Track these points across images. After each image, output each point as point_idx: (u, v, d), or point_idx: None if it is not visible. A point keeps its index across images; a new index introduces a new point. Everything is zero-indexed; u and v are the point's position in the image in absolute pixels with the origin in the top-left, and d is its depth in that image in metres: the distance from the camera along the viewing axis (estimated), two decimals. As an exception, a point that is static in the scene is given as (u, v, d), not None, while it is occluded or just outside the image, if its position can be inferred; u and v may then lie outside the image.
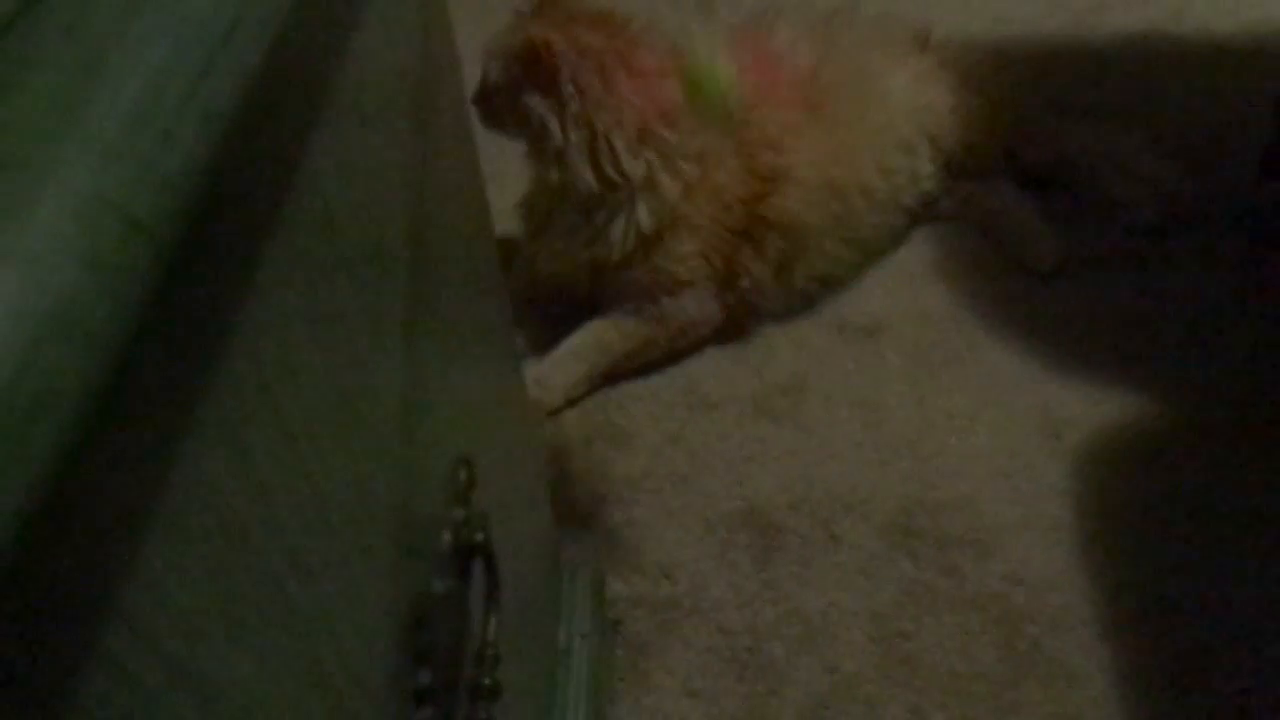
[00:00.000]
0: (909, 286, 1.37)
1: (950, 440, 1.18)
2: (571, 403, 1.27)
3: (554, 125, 1.16)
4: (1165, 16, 1.71)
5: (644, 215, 1.20)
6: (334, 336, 0.41)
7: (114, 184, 0.17)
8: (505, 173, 1.31)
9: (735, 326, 1.31)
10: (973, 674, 0.99)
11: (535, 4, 1.22)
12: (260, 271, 0.32)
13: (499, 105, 1.21)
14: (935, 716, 0.95)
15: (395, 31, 0.51)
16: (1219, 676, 0.95)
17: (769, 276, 1.27)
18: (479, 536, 0.53)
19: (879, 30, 1.39)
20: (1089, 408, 1.20)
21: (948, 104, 1.36)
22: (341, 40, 0.39)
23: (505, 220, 1.32)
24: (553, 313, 1.35)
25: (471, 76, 1.24)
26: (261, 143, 0.28)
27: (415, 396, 0.52)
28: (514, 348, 0.86)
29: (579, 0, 1.24)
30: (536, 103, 1.17)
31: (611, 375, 1.29)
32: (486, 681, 0.53)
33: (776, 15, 1.35)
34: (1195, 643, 0.98)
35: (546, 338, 1.33)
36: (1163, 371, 1.23)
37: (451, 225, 0.63)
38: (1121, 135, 1.41)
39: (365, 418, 0.45)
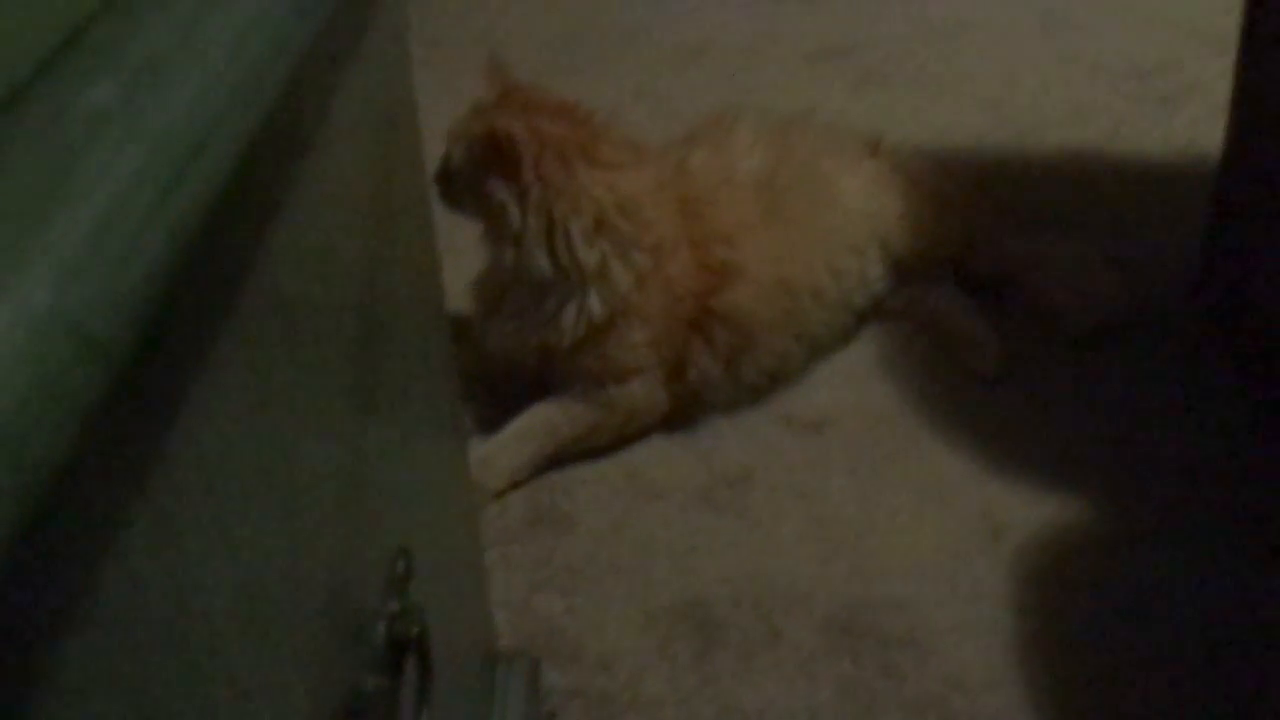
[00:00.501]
0: (856, 383, 1.40)
1: (893, 539, 1.19)
2: (515, 485, 1.26)
3: (513, 210, 1.18)
4: (1102, 136, 1.79)
5: (596, 303, 1.21)
6: (279, 425, 0.41)
7: (73, 301, 0.17)
8: (462, 249, 1.32)
9: (682, 416, 1.32)
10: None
11: (500, 92, 1.25)
12: (207, 365, 0.32)
13: (459, 187, 1.23)
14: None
15: (363, 126, 0.51)
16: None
17: (718, 369, 1.29)
18: (414, 630, 0.52)
19: (833, 137, 1.44)
20: (1029, 510, 1.22)
21: (897, 209, 1.40)
22: (308, 140, 0.40)
23: (459, 298, 1.33)
24: (501, 391, 1.34)
25: (434, 154, 1.26)
26: (221, 248, 0.28)
27: (357, 484, 0.52)
28: (461, 431, 0.85)
29: (542, 91, 1.27)
30: (497, 187, 1.18)
31: (557, 458, 1.28)
32: (414, 782, 0.51)
33: (735, 118, 1.39)
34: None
35: (493, 416, 1.33)
36: (1100, 475, 1.25)
37: (405, 310, 0.63)
38: (1061, 246, 1.47)
39: (304, 506, 0.44)
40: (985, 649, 1.08)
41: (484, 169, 1.19)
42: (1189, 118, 1.81)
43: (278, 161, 0.35)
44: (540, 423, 1.27)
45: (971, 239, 1.46)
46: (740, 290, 1.26)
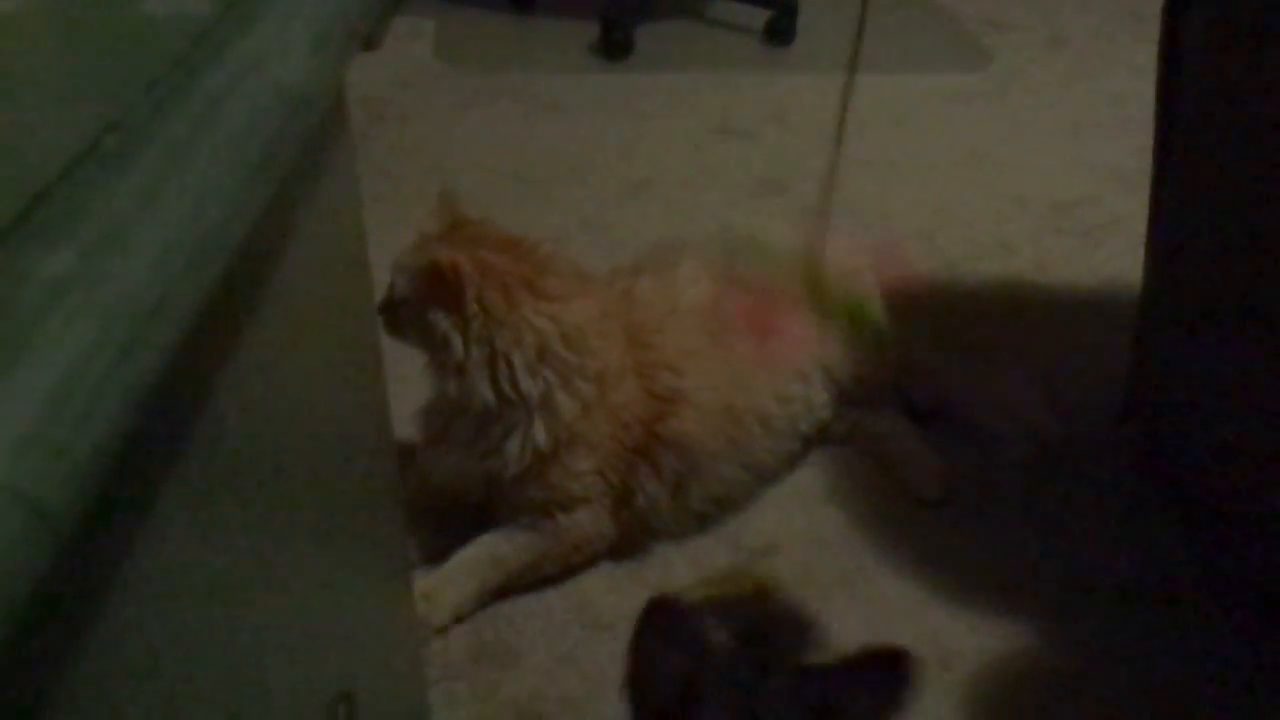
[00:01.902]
0: (802, 509, 1.40)
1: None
2: (459, 620, 1.23)
3: (456, 341, 1.19)
4: (1029, 267, 1.87)
5: (540, 433, 1.21)
6: (223, 574, 0.40)
7: (25, 474, 0.17)
8: (407, 377, 1.32)
9: (630, 544, 1.31)
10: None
11: (446, 225, 1.27)
12: (153, 518, 0.32)
13: (403, 317, 1.24)
14: None
15: (314, 267, 0.52)
16: None
17: (665, 496, 1.29)
18: (354, 784, 0.50)
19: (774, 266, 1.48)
20: (975, 636, 1.22)
21: (839, 338, 1.44)
22: (261, 288, 0.40)
23: (403, 425, 1.32)
24: (446, 520, 1.33)
25: (383, 285, 1.27)
26: (171, 405, 0.28)
27: (299, 628, 0.51)
28: (406, 564, 0.84)
29: (489, 225, 1.29)
30: (440, 318, 1.19)
31: (503, 591, 1.26)
32: None
33: (681, 248, 1.43)
34: None
35: (438, 546, 1.30)
36: (1042, 599, 1.26)
37: (352, 444, 0.63)
38: (997, 374, 1.51)
39: (245, 654, 0.43)
40: (939, 782, 1.06)
41: (427, 300, 1.20)
42: (1110, 251, 1.90)
43: (232, 312, 0.36)
44: (485, 555, 1.25)
45: (910, 366, 1.50)
46: (687, 417, 1.28)
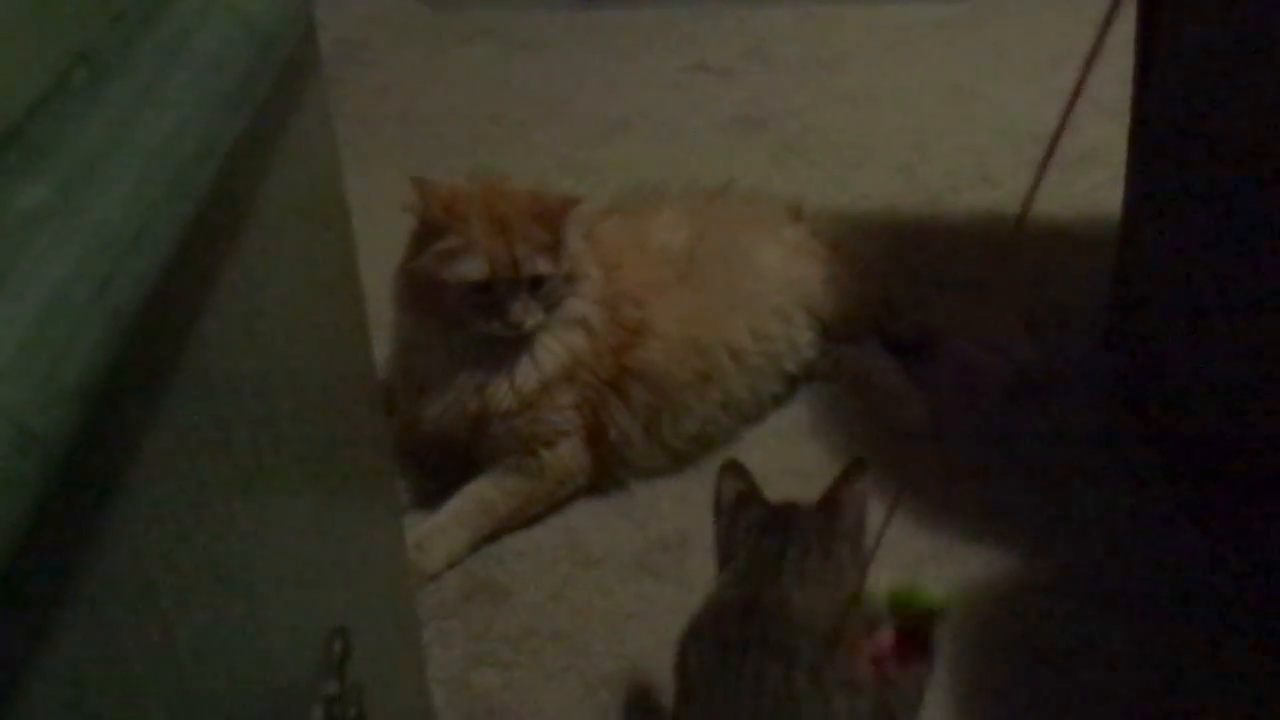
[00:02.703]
0: (787, 445, 1.42)
1: (828, 597, 1.20)
2: (452, 566, 1.25)
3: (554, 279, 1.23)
4: (1010, 200, 1.87)
5: (548, 360, 1.24)
6: (213, 507, 0.41)
7: (12, 399, 0.18)
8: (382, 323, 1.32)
9: (608, 480, 1.33)
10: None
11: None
12: (142, 450, 0.32)
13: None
14: None
15: (291, 208, 0.52)
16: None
17: (637, 430, 1.30)
18: (352, 713, 0.51)
19: (754, 207, 1.48)
20: (958, 568, 1.24)
21: (820, 275, 1.45)
22: (239, 226, 0.40)
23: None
24: (432, 468, 1.34)
25: (361, 231, 1.26)
26: (156, 337, 0.29)
27: (293, 563, 0.51)
28: (396, 505, 0.85)
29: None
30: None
31: (494, 535, 1.28)
32: None
33: (660, 195, 1.44)
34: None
35: (427, 493, 1.32)
36: (1023, 530, 1.28)
37: (338, 386, 0.63)
38: (978, 308, 1.52)
39: (239, 587, 0.44)
40: (930, 704, 1.09)
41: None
42: (1092, 181, 1.90)
43: (210, 248, 0.36)
44: (475, 503, 1.27)
45: (892, 300, 1.50)
46: (652, 348, 1.29)
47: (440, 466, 1.33)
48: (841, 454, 1.40)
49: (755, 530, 0.92)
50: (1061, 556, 1.25)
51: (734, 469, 0.97)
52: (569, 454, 1.28)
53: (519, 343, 1.24)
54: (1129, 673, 1.11)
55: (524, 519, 1.28)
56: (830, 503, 0.94)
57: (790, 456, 1.40)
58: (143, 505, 0.31)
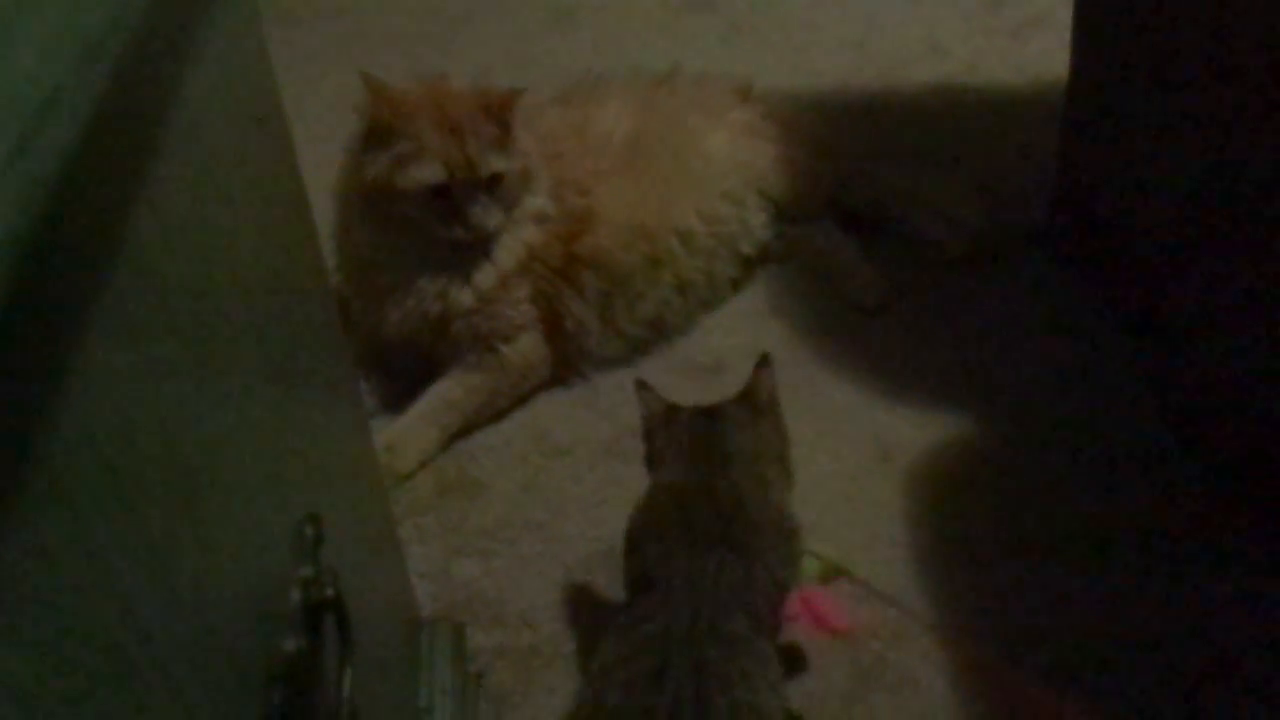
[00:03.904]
0: (747, 326, 1.44)
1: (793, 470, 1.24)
2: (424, 465, 1.27)
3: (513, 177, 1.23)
4: (961, 70, 1.86)
5: (505, 256, 1.24)
6: (169, 396, 0.41)
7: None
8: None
9: (570, 371, 1.34)
10: (825, 690, 1.03)
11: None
12: (87, 339, 0.32)
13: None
14: (792, 735, 0.98)
15: (221, 102, 0.51)
16: (1039, 674, 1.03)
17: (592, 318, 1.31)
18: (329, 592, 0.53)
19: (701, 90, 1.46)
20: (915, 431, 1.28)
21: (771, 155, 1.44)
22: (164, 113, 0.40)
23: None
24: (394, 372, 1.34)
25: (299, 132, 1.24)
26: (83, 211, 0.29)
27: (258, 454, 0.52)
28: (360, 404, 0.86)
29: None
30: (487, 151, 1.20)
31: (462, 432, 1.29)
32: (343, 737, 0.52)
33: (605, 84, 1.42)
34: (1020, 640, 1.05)
35: (392, 395, 1.33)
36: (978, 393, 1.32)
37: (287, 283, 0.63)
38: (930, 178, 1.53)
39: (204, 476, 0.45)
40: (887, 561, 1.14)
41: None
42: (1040, 47, 1.89)
43: (136, 133, 0.36)
44: (440, 402, 1.28)
45: (845, 176, 1.51)
46: (599, 234, 1.30)
47: (403, 370, 1.34)
48: (802, 333, 1.43)
49: (688, 428, 0.99)
50: (1014, 413, 1.29)
51: (646, 386, 1.04)
52: (529, 347, 1.29)
53: (479, 245, 1.24)
54: (1080, 524, 1.16)
55: (490, 415, 1.30)
56: (746, 392, 1.02)
57: (751, 338, 1.42)
58: (94, 387, 0.31)
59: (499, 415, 1.31)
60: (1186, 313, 1.25)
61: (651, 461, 1.01)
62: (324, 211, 1.26)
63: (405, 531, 1.18)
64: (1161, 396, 1.28)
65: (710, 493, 0.94)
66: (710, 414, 1.00)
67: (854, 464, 1.24)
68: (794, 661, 1.03)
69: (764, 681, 0.84)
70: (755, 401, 1.01)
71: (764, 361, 1.03)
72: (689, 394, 1.32)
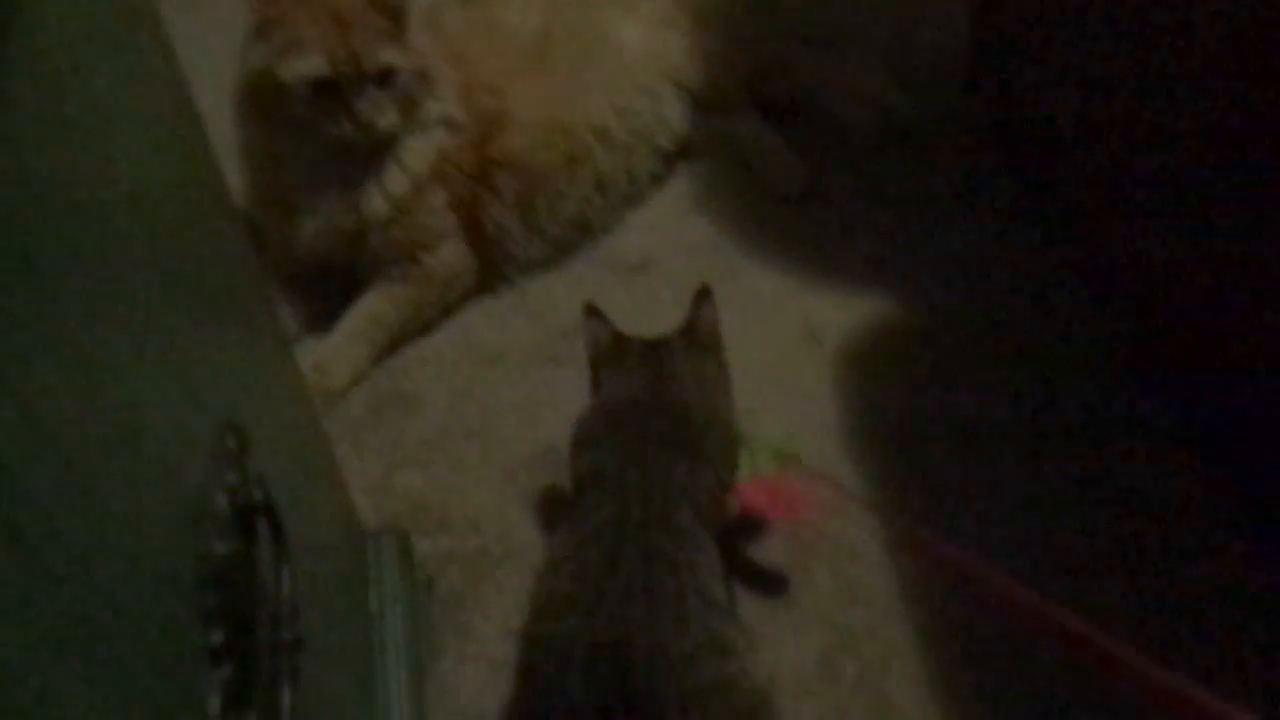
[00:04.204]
0: (672, 222, 1.44)
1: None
2: (356, 383, 1.26)
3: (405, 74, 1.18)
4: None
5: (415, 161, 1.21)
6: (59, 311, 0.40)
7: None
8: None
9: (497, 277, 1.33)
10: (765, 564, 1.07)
11: None
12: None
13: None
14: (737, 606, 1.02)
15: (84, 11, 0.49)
16: (980, 539, 1.08)
17: (513, 220, 1.30)
18: (257, 496, 0.53)
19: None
20: (842, 313, 1.30)
21: (684, 46, 1.42)
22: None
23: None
24: (315, 290, 1.32)
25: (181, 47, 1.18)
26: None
27: (166, 367, 0.52)
28: (276, 320, 0.84)
29: None
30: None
31: (392, 347, 1.28)
32: (286, 636, 0.53)
33: None
34: (947, 510, 1.10)
35: (315, 315, 1.31)
36: (901, 274, 1.35)
37: (182, 194, 0.62)
38: (844, 61, 1.53)
39: (110, 387, 0.44)
40: (819, 442, 1.17)
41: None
42: (948, -79, 1.87)
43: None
44: (367, 318, 1.26)
45: (761, 64, 1.50)
46: (513, 134, 1.28)
47: (325, 291, 1.32)
48: (727, 224, 1.43)
49: (636, 356, 1.00)
50: (938, 293, 1.32)
51: (596, 312, 1.04)
52: (452, 255, 1.28)
53: (382, 149, 1.20)
54: (1002, 398, 1.20)
55: (419, 328, 1.29)
56: (689, 326, 1.03)
57: (677, 233, 1.42)
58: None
59: (428, 327, 1.30)
60: (1096, 189, 1.28)
61: (598, 389, 1.02)
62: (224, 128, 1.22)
63: (344, 449, 1.18)
64: (1076, 271, 1.32)
65: (659, 402, 0.96)
66: (656, 345, 1.01)
67: (784, 349, 1.27)
68: (775, 583, 1.05)
69: (708, 570, 0.87)
70: (698, 337, 1.02)
71: (704, 293, 1.04)
72: (617, 294, 1.34)
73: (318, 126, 1.16)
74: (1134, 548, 1.06)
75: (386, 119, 1.16)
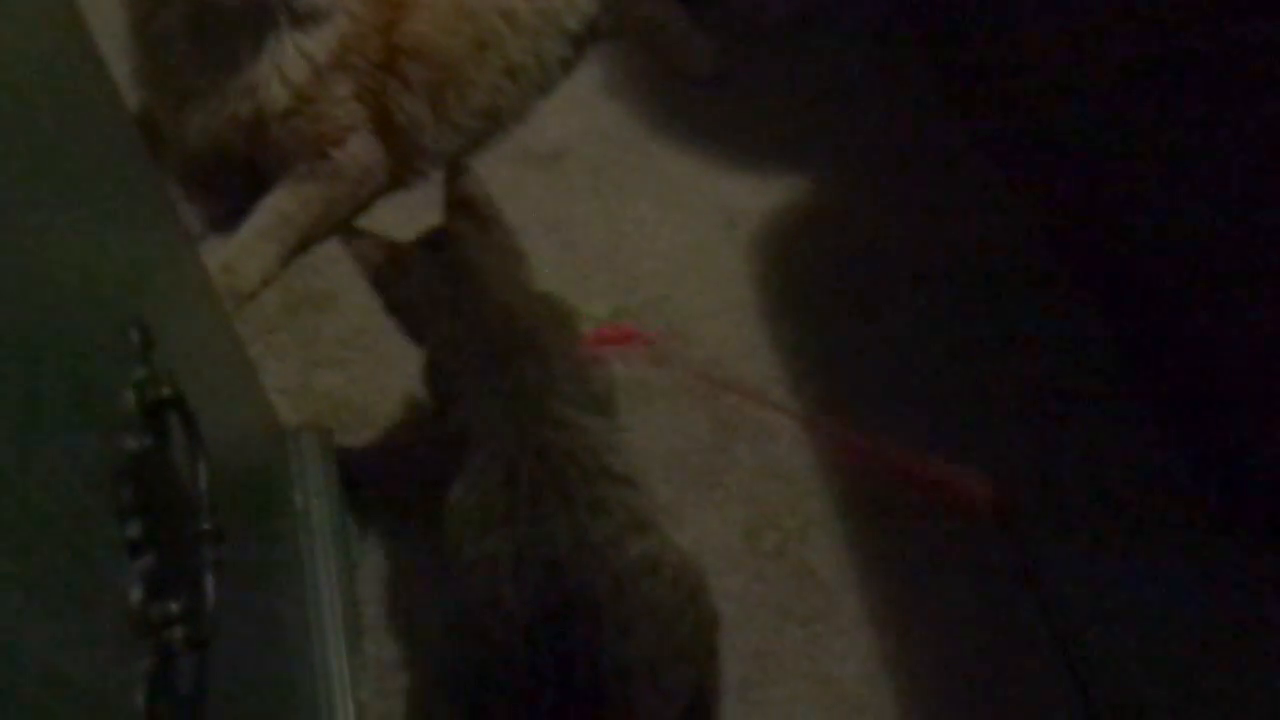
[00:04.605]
0: (584, 109, 1.41)
1: (642, 246, 1.26)
2: (267, 283, 1.23)
3: None
4: None
5: (314, 47, 1.16)
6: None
7: None
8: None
9: (409, 170, 1.30)
10: (689, 448, 1.10)
11: None
12: None
13: None
14: (662, 490, 1.05)
15: None
16: (889, 409, 1.12)
17: (424, 110, 1.27)
18: (165, 391, 0.52)
19: None
20: (758, 197, 1.31)
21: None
22: None
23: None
24: (218, 187, 1.27)
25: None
26: None
27: (62, 264, 0.50)
28: (174, 217, 0.82)
29: None
30: None
31: (303, 245, 1.25)
32: (205, 526, 0.53)
33: None
34: (858, 388, 1.14)
35: (220, 214, 1.27)
36: (814, 157, 1.35)
37: (62, 82, 0.59)
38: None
39: (7, 285, 0.43)
40: (737, 324, 1.19)
41: None
42: None
43: None
44: (274, 217, 1.23)
45: (668, -58, 1.46)
46: (419, 20, 1.23)
47: (230, 188, 1.27)
48: (640, 109, 1.41)
49: (420, 263, 0.93)
50: (849, 173, 1.33)
51: (356, 232, 0.97)
52: (361, 149, 1.24)
53: (264, 25, 1.14)
54: (908, 272, 1.23)
55: (331, 225, 1.26)
56: (462, 204, 0.97)
57: (590, 120, 1.40)
58: None
59: (339, 224, 1.27)
60: (1003, 66, 1.29)
61: (395, 311, 0.95)
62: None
63: (258, 350, 1.16)
64: (987, 148, 1.34)
65: (478, 313, 0.90)
66: (437, 244, 0.94)
67: (701, 234, 1.27)
68: None
69: (606, 448, 0.85)
70: (473, 210, 0.96)
71: (457, 169, 0.99)
72: (531, 185, 1.32)
73: None
74: (1035, 400, 1.11)
75: None
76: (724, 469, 1.08)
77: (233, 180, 1.26)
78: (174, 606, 0.47)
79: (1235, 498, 1.01)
